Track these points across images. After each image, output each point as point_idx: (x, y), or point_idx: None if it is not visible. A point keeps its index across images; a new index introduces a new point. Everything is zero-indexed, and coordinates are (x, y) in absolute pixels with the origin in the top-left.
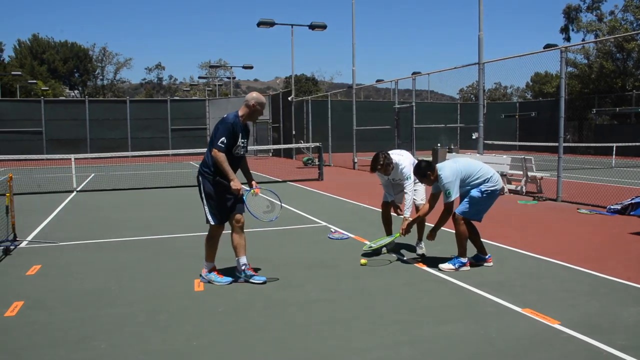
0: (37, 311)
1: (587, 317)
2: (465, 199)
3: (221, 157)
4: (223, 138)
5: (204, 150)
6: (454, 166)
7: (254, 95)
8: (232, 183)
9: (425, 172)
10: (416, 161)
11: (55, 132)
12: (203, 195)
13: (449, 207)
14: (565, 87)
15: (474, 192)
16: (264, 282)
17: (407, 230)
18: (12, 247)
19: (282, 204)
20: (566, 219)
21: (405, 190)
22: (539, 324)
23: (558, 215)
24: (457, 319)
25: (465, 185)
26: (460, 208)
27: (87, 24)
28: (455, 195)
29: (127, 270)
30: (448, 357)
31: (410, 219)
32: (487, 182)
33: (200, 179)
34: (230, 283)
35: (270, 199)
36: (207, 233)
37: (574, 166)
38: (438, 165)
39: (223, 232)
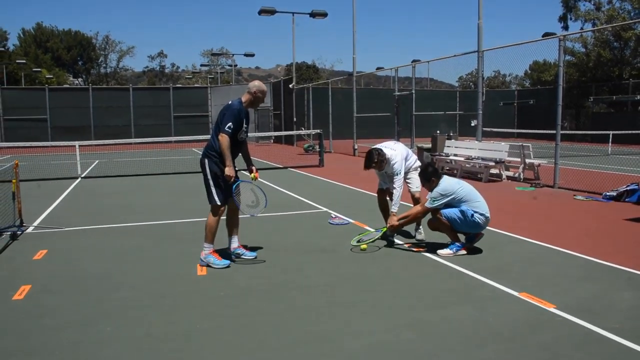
0: (44, 295)
1: (582, 301)
2: (456, 209)
3: (226, 141)
4: (230, 123)
5: (207, 137)
6: (456, 187)
7: (256, 84)
8: (226, 168)
9: (430, 177)
10: (410, 152)
11: (60, 119)
12: (209, 176)
13: (424, 210)
14: (563, 76)
15: (467, 211)
16: (255, 258)
17: (395, 228)
18: (19, 232)
19: (266, 206)
20: (563, 206)
21: (394, 186)
22: (534, 308)
23: (555, 201)
24: (455, 303)
25: (459, 204)
26: (445, 211)
27: (90, 12)
28: (435, 205)
29: (131, 255)
30: (446, 340)
31: (397, 216)
32: (481, 216)
33: (206, 161)
34: (228, 266)
35: (258, 197)
36: (208, 216)
37: (571, 153)
38: (445, 177)
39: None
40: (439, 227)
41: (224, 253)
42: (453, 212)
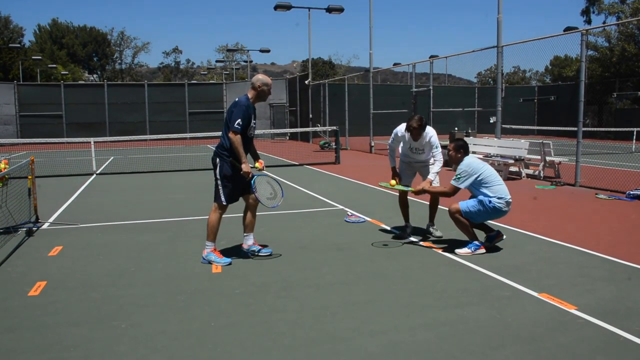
0: (60, 291)
1: (603, 303)
2: (474, 200)
3: (237, 139)
4: (239, 120)
5: (221, 133)
6: (481, 165)
7: (259, 77)
8: (243, 166)
9: (459, 148)
10: None
11: (75, 115)
12: (219, 176)
13: (451, 188)
14: (585, 71)
15: (485, 199)
16: (270, 254)
17: (423, 191)
18: (34, 228)
19: (283, 195)
20: (584, 204)
21: (436, 159)
22: (555, 309)
23: (576, 200)
24: (473, 302)
25: (477, 186)
26: (464, 205)
27: (106, 8)
28: (462, 184)
29: (146, 252)
30: (463, 340)
31: (431, 185)
32: (501, 199)
33: (217, 160)
34: (230, 264)
35: (274, 188)
36: (210, 214)
37: (593, 151)
38: (470, 155)
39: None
40: (457, 225)
41: (234, 251)
42: (471, 205)
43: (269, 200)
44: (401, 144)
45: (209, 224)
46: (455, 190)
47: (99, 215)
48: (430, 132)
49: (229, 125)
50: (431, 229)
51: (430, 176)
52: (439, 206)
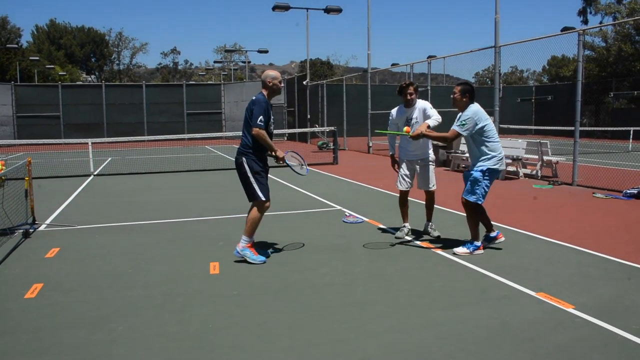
0: (56, 293)
1: (601, 302)
2: (468, 183)
3: (263, 133)
4: (260, 117)
5: (220, 134)
6: (486, 115)
7: (268, 74)
8: (277, 153)
9: (465, 92)
10: None
11: (73, 116)
12: (250, 174)
13: (452, 133)
14: (582, 71)
15: (477, 174)
16: (263, 262)
17: (419, 135)
18: (31, 230)
19: (305, 164)
20: (581, 204)
21: (433, 117)
22: (553, 308)
23: (573, 199)
24: (471, 302)
25: (477, 136)
26: (467, 194)
27: (104, 8)
28: (465, 131)
29: (143, 253)
30: (462, 340)
31: (428, 129)
32: (493, 158)
33: (243, 159)
34: (264, 262)
35: (298, 159)
36: (251, 211)
37: (590, 150)
38: (476, 103)
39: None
40: (471, 219)
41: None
42: (474, 190)
43: (301, 168)
44: (397, 118)
45: (251, 219)
46: (456, 136)
47: (96, 217)
48: (425, 104)
49: (250, 123)
50: (429, 229)
51: (429, 121)
52: (435, 205)
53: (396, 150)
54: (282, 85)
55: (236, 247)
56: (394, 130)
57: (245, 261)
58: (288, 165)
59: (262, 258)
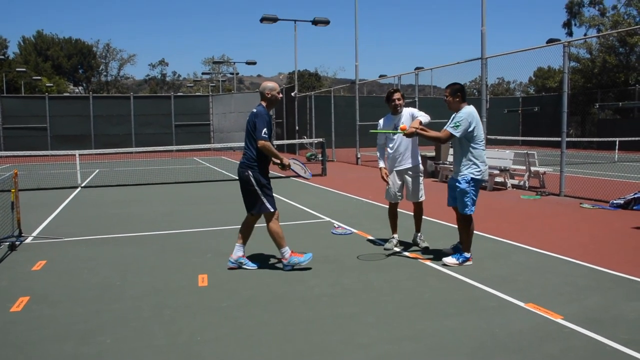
0: (43, 306)
1: (589, 312)
2: (462, 197)
3: (268, 145)
4: (264, 129)
5: (208, 146)
6: (478, 118)
7: (267, 85)
8: (284, 160)
9: (456, 92)
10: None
11: (60, 128)
12: (257, 187)
13: (445, 134)
14: (568, 82)
15: (463, 185)
16: (257, 268)
17: (412, 132)
18: (17, 242)
19: (305, 166)
20: (569, 214)
21: (423, 116)
22: (541, 319)
23: (561, 210)
24: (460, 313)
25: (465, 140)
26: (461, 208)
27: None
28: (457, 133)
29: (131, 266)
30: (451, 351)
31: (421, 125)
32: (476, 168)
33: (249, 172)
34: (311, 258)
35: (299, 164)
36: (269, 225)
37: (577, 161)
38: (471, 105)
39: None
40: (464, 231)
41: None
42: (466, 202)
43: (305, 172)
44: (387, 144)
45: (273, 233)
46: (449, 137)
47: (83, 229)
48: (411, 109)
49: (254, 136)
50: (418, 240)
51: (420, 118)
52: (423, 216)
53: (385, 161)
54: (281, 96)
55: (282, 261)
56: (383, 141)
57: (235, 273)
58: (293, 171)
59: (309, 255)
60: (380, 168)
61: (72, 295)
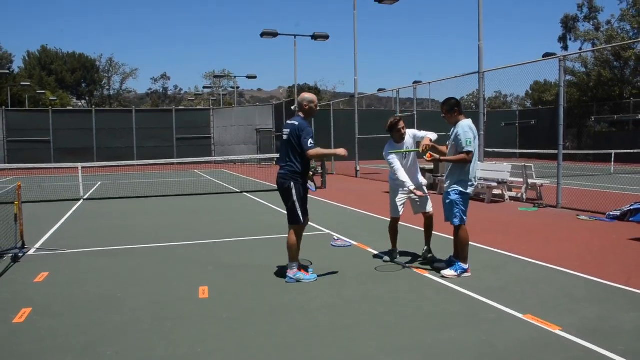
0: (45, 317)
1: (587, 323)
2: (447, 208)
3: (317, 149)
4: (310, 139)
5: (208, 159)
6: (475, 131)
7: (305, 97)
8: (338, 151)
9: (453, 107)
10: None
11: (63, 141)
12: (296, 198)
13: (468, 156)
14: (564, 95)
15: (453, 197)
16: (317, 279)
17: (437, 159)
18: (20, 254)
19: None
20: (566, 226)
21: (429, 134)
22: (540, 330)
23: (558, 221)
24: (458, 325)
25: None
26: (454, 219)
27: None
28: (473, 148)
29: (132, 277)
30: None
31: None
32: (466, 182)
33: (292, 184)
34: (316, 280)
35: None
36: (289, 236)
37: (574, 173)
38: (468, 119)
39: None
40: (461, 243)
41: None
42: (458, 212)
43: (314, 186)
44: (395, 153)
45: (291, 245)
46: (470, 157)
47: (85, 241)
48: (412, 132)
49: (302, 147)
50: (428, 254)
51: (430, 136)
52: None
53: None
54: (318, 108)
55: (287, 274)
56: (403, 163)
57: (235, 284)
58: (311, 188)
59: (314, 276)
60: (409, 187)
61: (74, 307)
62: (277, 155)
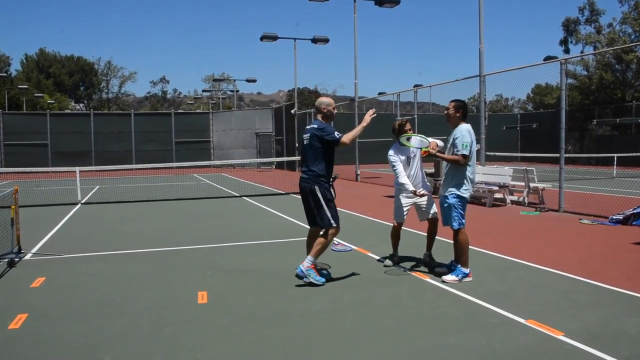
0: (42, 323)
1: (590, 328)
2: (449, 211)
3: (347, 135)
4: (335, 132)
5: (208, 163)
6: (474, 137)
7: (323, 101)
8: (365, 120)
9: (460, 108)
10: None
11: (61, 144)
12: (323, 202)
13: (463, 159)
14: (565, 99)
15: (451, 200)
16: (323, 284)
17: (434, 150)
18: (16, 259)
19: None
20: (568, 230)
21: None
22: (542, 335)
23: (560, 225)
24: (460, 330)
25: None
26: (453, 223)
27: (93, 38)
28: (470, 150)
29: (131, 282)
30: None
31: (437, 147)
32: (463, 186)
33: (316, 187)
34: (323, 284)
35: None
36: (323, 236)
37: (576, 177)
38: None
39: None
40: (460, 247)
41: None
42: (458, 216)
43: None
44: (403, 155)
45: (321, 244)
46: (466, 159)
47: (83, 245)
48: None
49: (333, 143)
50: (428, 259)
51: (439, 142)
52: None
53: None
54: (336, 111)
55: (300, 266)
56: (407, 169)
57: (234, 289)
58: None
59: (323, 279)
60: (413, 190)
61: (71, 312)
62: (277, 159)
